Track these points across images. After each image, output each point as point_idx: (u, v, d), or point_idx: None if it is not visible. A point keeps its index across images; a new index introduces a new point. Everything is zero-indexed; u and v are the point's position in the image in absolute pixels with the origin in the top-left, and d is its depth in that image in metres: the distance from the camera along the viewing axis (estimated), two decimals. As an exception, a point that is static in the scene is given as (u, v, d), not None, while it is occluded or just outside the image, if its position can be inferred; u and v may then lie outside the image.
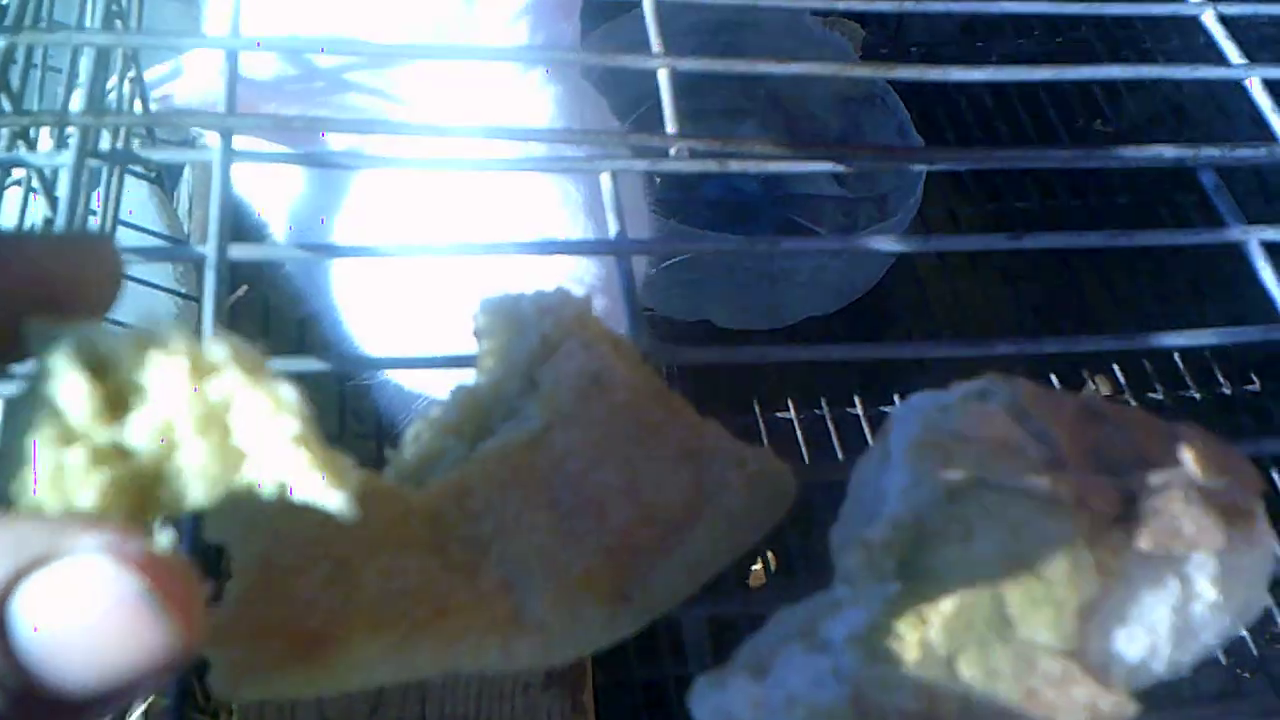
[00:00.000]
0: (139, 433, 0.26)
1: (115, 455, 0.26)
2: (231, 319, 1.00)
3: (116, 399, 0.26)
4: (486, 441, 0.37)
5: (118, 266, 0.30)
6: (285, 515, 0.32)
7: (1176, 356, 1.20)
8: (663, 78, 0.51)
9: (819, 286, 1.19)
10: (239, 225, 0.97)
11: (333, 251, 0.65)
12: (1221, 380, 1.20)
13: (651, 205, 1.17)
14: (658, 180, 1.28)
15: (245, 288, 0.95)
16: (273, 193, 0.90)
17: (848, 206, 1.29)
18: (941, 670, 0.32)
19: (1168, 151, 0.51)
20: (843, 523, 0.38)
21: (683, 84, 1.23)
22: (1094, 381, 1.20)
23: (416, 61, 0.77)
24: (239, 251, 0.40)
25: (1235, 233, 0.51)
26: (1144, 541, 0.33)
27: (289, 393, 0.27)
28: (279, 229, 0.89)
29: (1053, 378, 1.17)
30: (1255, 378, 1.20)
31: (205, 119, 0.45)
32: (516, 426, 0.37)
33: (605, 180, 0.49)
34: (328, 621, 0.31)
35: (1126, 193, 1.31)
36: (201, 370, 0.26)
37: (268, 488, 0.27)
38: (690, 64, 0.52)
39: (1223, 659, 1.03)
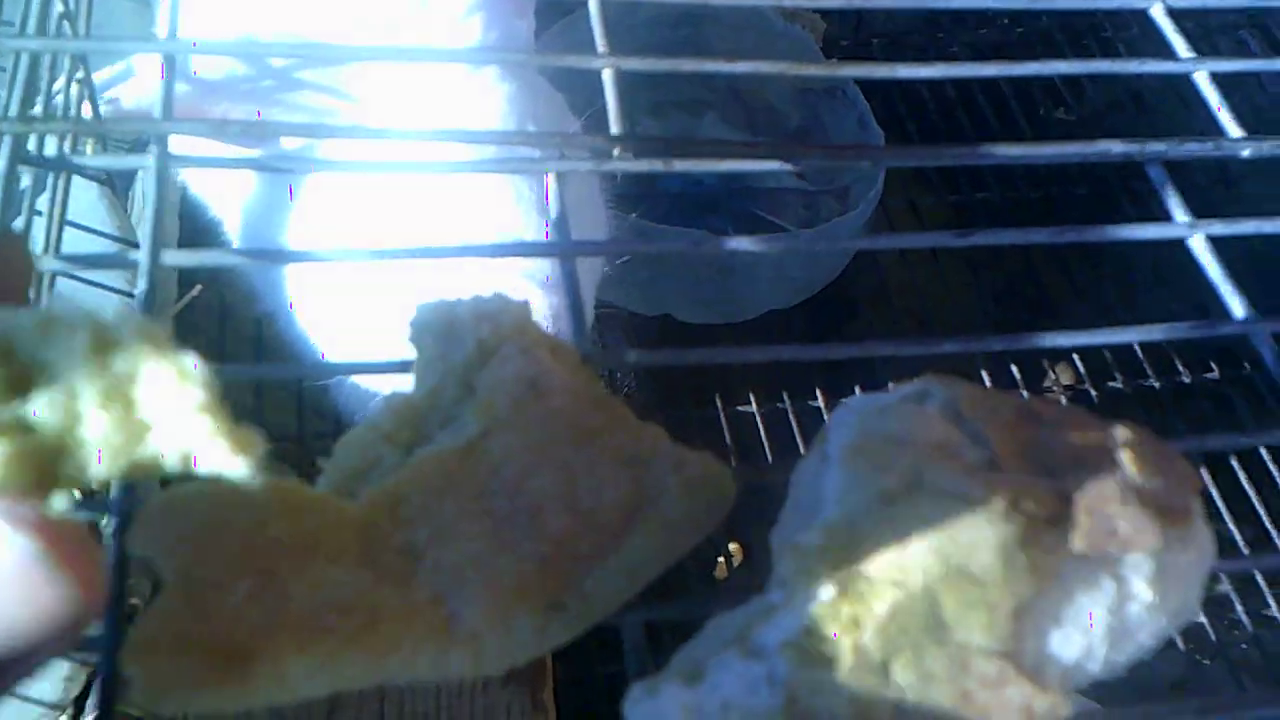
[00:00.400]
0: (41, 407, 0.26)
1: (17, 429, 0.26)
2: (187, 318, 1.00)
3: (20, 377, 0.26)
4: (422, 449, 0.37)
5: (27, 263, 0.30)
6: (211, 529, 0.32)
7: (1136, 346, 1.21)
8: (607, 78, 0.50)
9: (780, 281, 1.19)
10: (192, 224, 0.97)
11: (270, 257, 0.64)
12: (1181, 369, 1.20)
13: (610, 200, 1.17)
14: (617, 175, 1.28)
15: (199, 287, 0.94)
16: (226, 192, 0.89)
17: (809, 199, 1.29)
18: (876, 675, 0.32)
19: (1115, 147, 0.51)
20: (781, 525, 0.38)
21: (643, 78, 1.22)
22: (1054, 371, 1.20)
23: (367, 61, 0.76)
24: (172, 258, 0.40)
25: (1181, 228, 0.51)
26: (1079, 542, 0.33)
27: (192, 364, 0.27)
28: (233, 229, 0.89)
29: (1014, 368, 1.17)
30: (1214, 365, 1.20)
31: (140, 124, 0.44)
32: (452, 433, 0.37)
33: (550, 181, 0.49)
34: (253, 635, 0.31)
35: (1086, 183, 1.31)
36: (104, 344, 0.26)
37: (171, 458, 0.26)
38: (635, 64, 0.52)
39: (1181, 645, 1.03)
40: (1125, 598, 0.33)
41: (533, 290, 0.65)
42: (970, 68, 0.56)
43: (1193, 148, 0.52)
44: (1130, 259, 1.28)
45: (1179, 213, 0.52)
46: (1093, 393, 1.19)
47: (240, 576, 0.31)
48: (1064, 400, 1.18)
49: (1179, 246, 0.51)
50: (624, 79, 0.51)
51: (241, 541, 0.32)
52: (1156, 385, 1.19)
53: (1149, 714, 0.37)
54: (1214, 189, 1.28)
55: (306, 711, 0.85)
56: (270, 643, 0.31)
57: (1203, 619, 1.04)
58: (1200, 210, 0.52)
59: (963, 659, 0.32)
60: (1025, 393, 1.16)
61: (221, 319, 1.07)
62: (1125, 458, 0.35)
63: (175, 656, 0.30)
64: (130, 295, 0.89)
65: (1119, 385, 1.19)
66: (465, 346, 0.39)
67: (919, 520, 0.33)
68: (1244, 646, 1.06)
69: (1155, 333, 0.47)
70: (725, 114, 1.35)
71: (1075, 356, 1.22)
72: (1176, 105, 1.36)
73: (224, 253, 0.54)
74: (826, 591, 0.33)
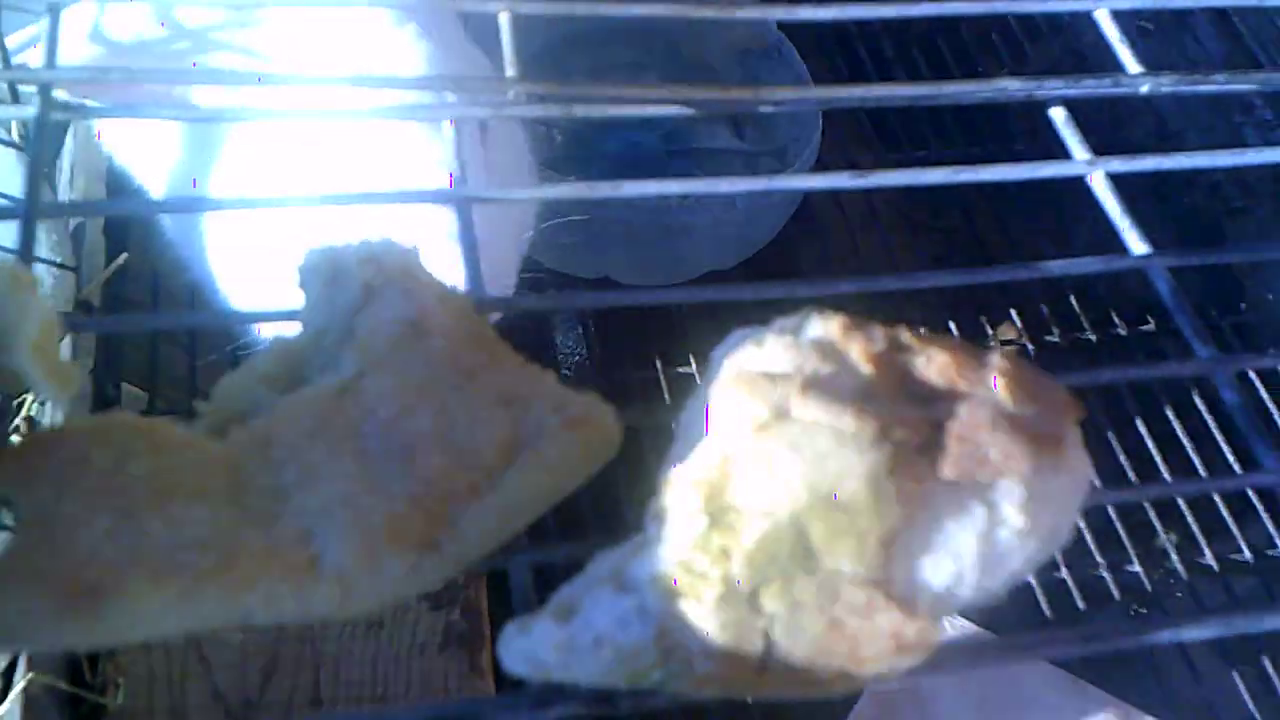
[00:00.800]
0: None
1: None
2: (118, 286, 0.99)
3: None
4: (299, 391, 0.36)
5: None
6: (71, 467, 0.32)
7: (1073, 300, 1.21)
8: (503, 20, 0.50)
9: (718, 240, 1.18)
10: (120, 191, 0.96)
11: (150, 207, 0.64)
12: (1116, 321, 1.21)
13: (547, 163, 1.17)
14: (557, 136, 1.28)
15: (125, 255, 0.93)
16: (148, 157, 0.88)
17: (748, 159, 1.29)
18: (745, 605, 0.32)
19: (1013, 85, 0.51)
20: (670, 462, 0.38)
21: (580, 40, 1.22)
22: (991, 328, 1.20)
23: (282, 17, 0.75)
24: (49, 210, 0.39)
25: (1080, 166, 0.51)
26: (948, 469, 0.33)
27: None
28: (157, 194, 0.88)
29: (952, 325, 1.18)
30: (1150, 318, 1.21)
31: (20, 75, 0.44)
32: (330, 376, 0.37)
33: (447, 129, 0.49)
34: (107, 571, 0.30)
35: (1023, 138, 1.32)
36: None
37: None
38: (531, 7, 0.51)
39: (1118, 596, 1.04)
40: (996, 524, 0.33)
41: (438, 239, 0.65)
42: (893, 8, 0.55)
43: (1090, 85, 0.52)
44: (1068, 216, 1.29)
45: (1079, 151, 0.52)
46: (1030, 347, 1.19)
47: (98, 513, 0.31)
48: (1029, 346, 1.19)
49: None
50: (559, 43, 0.51)
51: (101, 479, 0.32)
52: (1093, 338, 1.20)
53: (1033, 641, 0.37)
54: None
55: (241, 680, 0.85)
56: (124, 579, 0.30)
57: (1139, 569, 1.05)
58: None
59: (832, 587, 0.32)
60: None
61: (154, 287, 1.06)
62: (998, 385, 0.35)
63: (29, 592, 0.30)
64: (56, 264, 0.88)
65: (1056, 339, 1.20)
66: (350, 290, 0.39)
67: (788, 450, 0.33)
68: (1179, 596, 1.07)
69: (1051, 269, 0.47)
70: (664, 76, 1.34)
71: (1014, 313, 1.22)
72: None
73: (104, 203, 0.53)
74: (697, 523, 0.33)
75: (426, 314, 0.38)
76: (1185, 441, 1.12)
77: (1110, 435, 1.11)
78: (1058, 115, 0.53)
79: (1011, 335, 1.22)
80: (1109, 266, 0.48)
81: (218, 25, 0.77)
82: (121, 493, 0.32)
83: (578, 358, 1.18)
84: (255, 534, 0.32)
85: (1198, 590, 1.05)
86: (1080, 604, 1.02)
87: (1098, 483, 0.36)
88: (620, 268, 1.19)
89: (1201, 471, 1.10)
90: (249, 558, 0.32)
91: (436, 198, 0.48)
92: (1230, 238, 1.32)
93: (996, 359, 0.36)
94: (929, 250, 1.32)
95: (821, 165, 1.25)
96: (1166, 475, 1.09)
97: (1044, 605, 1.00)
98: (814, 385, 0.34)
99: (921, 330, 0.37)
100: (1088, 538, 1.05)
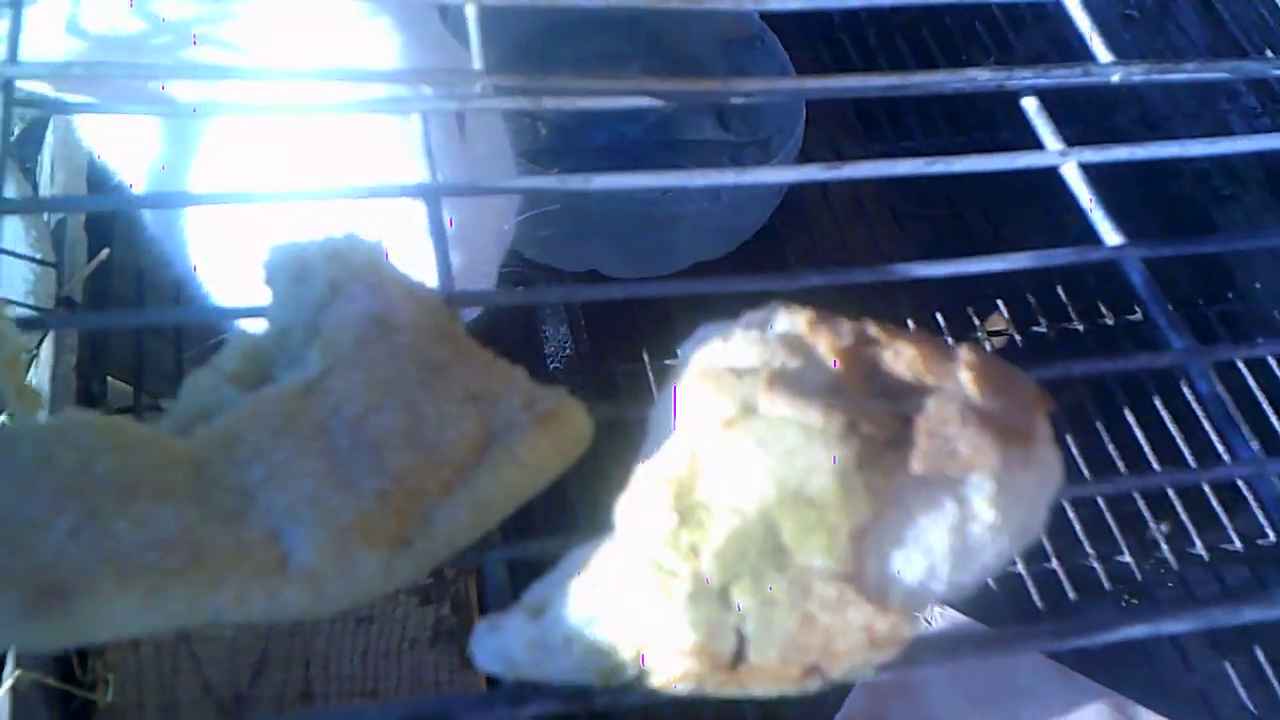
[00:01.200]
0: None
1: None
2: (103, 281, 0.99)
3: None
4: (265, 389, 0.36)
5: None
6: (35, 467, 0.32)
7: (1060, 290, 1.21)
8: (470, 14, 0.50)
9: (705, 231, 1.18)
10: (100, 188, 0.95)
11: (113, 202, 0.64)
12: (1104, 311, 1.21)
13: (531, 156, 1.16)
14: (541, 130, 1.28)
15: (107, 251, 0.92)
16: (129, 153, 0.88)
17: (733, 150, 1.29)
18: (715, 602, 0.32)
19: (982, 75, 0.51)
20: (639, 459, 0.38)
21: (562, 31, 1.22)
22: (978, 318, 1.20)
23: (257, 9, 0.75)
24: (8, 205, 0.39)
25: (1052, 156, 0.51)
26: (917, 464, 0.33)
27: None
28: (137, 188, 0.88)
29: (939, 317, 1.18)
30: (1136, 308, 1.21)
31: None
32: (296, 373, 0.37)
33: (415, 122, 0.48)
34: (72, 572, 0.30)
35: (1009, 127, 1.31)
36: None
37: None
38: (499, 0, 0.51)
39: (1108, 586, 1.04)
40: (967, 519, 0.33)
41: (409, 233, 0.64)
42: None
43: (1060, 74, 0.52)
44: (1057, 204, 1.29)
45: (1051, 141, 0.52)
46: (1018, 338, 1.19)
47: (62, 513, 0.31)
48: (989, 347, 1.18)
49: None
50: (541, 33, 0.50)
51: (64, 479, 0.32)
52: (1080, 329, 1.20)
53: (1003, 635, 0.37)
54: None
55: (233, 674, 0.84)
56: (89, 579, 0.30)
57: (1129, 560, 1.05)
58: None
59: (803, 583, 0.32)
60: (951, 340, 1.16)
61: (139, 283, 1.06)
62: (965, 379, 0.35)
63: None
64: (36, 260, 0.88)
65: (1043, 329, 1.20)
66: (315, 287, 0.38)
67: (755, 446, 0.33)
68: (1170, 586, 1.07)
69: (1024, 260, 0.47)
70: (647, 67, 1.34)
71: (1000, 303, 1.22)
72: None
73: (69, 198, 0.53)
74: (667, 520, 0.32)
75: (392, 309, 0.37)
76: (1174, 432, 1.12)
77: (1099, 425, 1.11)
78: (1030, 105, 0.53)
79: (1000, 326, 1.22)
80: (1082, 258, 0.48)
81: (193, 18, 0.77)
82: (86, 492, 0.31)
83: (565, 351, 1.17)
84: (222, 533, 0.32)
85: (1188, 580, 1.05)
86: (1071, 594, 1.02)
87: (1082, 475, 0.36)
88: (606, 260, 1.19)
89: (1191, 461, 1.10)
90: (217, 557, 0.32)
91: (406, 192, 0.48)
92: (1218, 225, 1.32)
93: (964, 353, 0.36)
94: (916, 240, 1.32)
95: (806, 156, 1.25)
96: (1156, 465, 1.09)
97: (1035, 596, 1.00)
98: (781, 380, 0.34)
99: (908, 322, 0.37)
100: (1077, 528, 1.05)
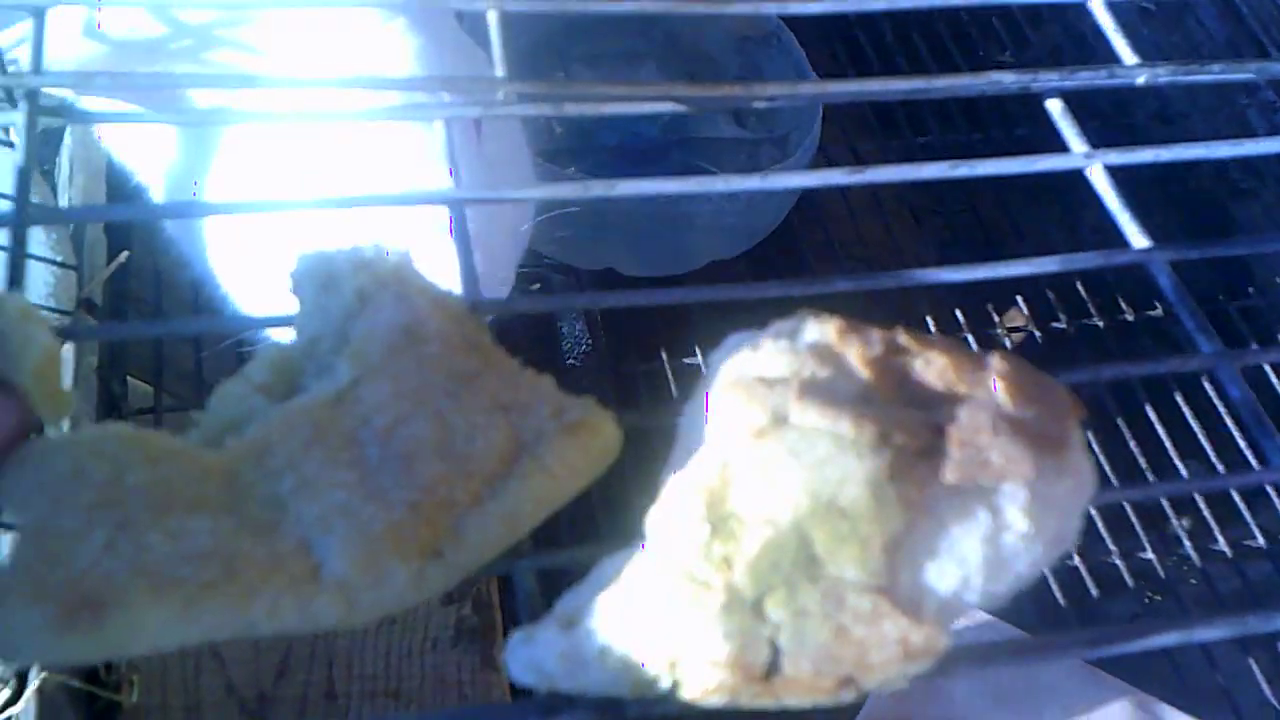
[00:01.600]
0: None
1: None
2: (121, 283, 0.99)
3: None
4: (295, 400, 0.36)
5: None
6: (68, 480, 0.32)
7: (1080, 286, 1.21)
8: (492, 19, 0.50)
9: (720, 230, 1.18)
10: (119, 190, 0.95)
11: (136, 212, 0.64)
12: (1124, 307, 1.21)
13: (547, 155, 1.16)
14: (557, 128, 1.27)
15: (126, 254, 0.92)
16: (148, 156, 0.88)
17: (749, 148, 1.28)
18: (749, 613, 0.32)
19: (1007, 78, 0.51)
20: (670, 468, 0.38)
21: (578, 29, 1.21)
22: (998, 315, 1.20)
23: (276, 14, 0.75)
24: (38, 214, 0.39)
25: (1077, 159, 0.51)
26: (950, 474, 0.33)
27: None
28: (157, 194, 0.88)
29: (958, 314, 1.17)
30: (1157, 304, 1.21)
31: (5, 79, 0.43)
32: (326, 383, 0.36)
33: (438, 128, 0.48)
34: (107, 585, 0.30)
35: (1026, 123, 1.31)
36: None
37: None
38: (519, 5, 0.51)
39: (1130, 582, 1.04)
40: (1000, 528, 0.33)
41: (436, 239, 0.64)
42: (883, 2, 0.55)
43: (1085, 76, 0.51)
44: (1074, 201, 1.28)
45: (1076, 143, 0.51)
46: (1037, 334, 1.19)
47: (96, 526, 0.31)
48: (1009, 344, 1.18)
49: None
50: (558, 31, 0.50)
51: (98, 492, 0.32)
52: (1100, 324, 1.19)
53: (1036, 644, 0.37)
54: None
55: (256, 674, 0.85)
56: (124, 592, 0.30)
57: (1151, 556, 1.04)
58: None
59: (837, 594, 0.32)
60: (970, 337, 1.16)
61: (157, 285, 1.06)
62: (998, 387, 0.35)
63: (29, 606, 0.30)
64: (56, 263, 0.88)
65: (1063, 325, 1.19)
66: (343, 296, 0.38)
67: (787, 456, 0.33)
68: (1193, 583, 1.07)
69: (1050, 264, 0.47)
70: (662, 64, 1.34)
71: (1020, 300, 1.22)
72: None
73: (96, 209, 0.53)
74: (699, 531, 0.32)
75: (420, 319, 0.37)
76: (1197, 429, 1.12)
77: (1121, 424, 1.11)
78: (1054, 107, 0.53)
79: (1019, 322, 1.21)
80: (1109, 261, 0.48)
81: (212, 22, 0.77)
82: (119, 505, 0.31)
83: (583, 349, 1.17)
84: (255, 544, 0.32)
85: (1211, 576, 1.05)
86: (1094, 591, 1.01)
87: (1112, 482, 0.36)
88: (622, 259, 1.19)
89: (1213, 458, 1.09)
90: (250, 569, 0.32)
91: (430, 199, 0.48)
92: (1237, 220, 1.31)
93: (995, 360, 0.36)
94: (933, 237, 1.32)
95: (824, 152, 1.24)
96: (1179, 463, 1.09)
97: (1057, 593, 1.00)
98: (811, 390, 0.34)
99: (929, 327, 0.37)
100: (1099, 525, 1.05)
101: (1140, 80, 0.53)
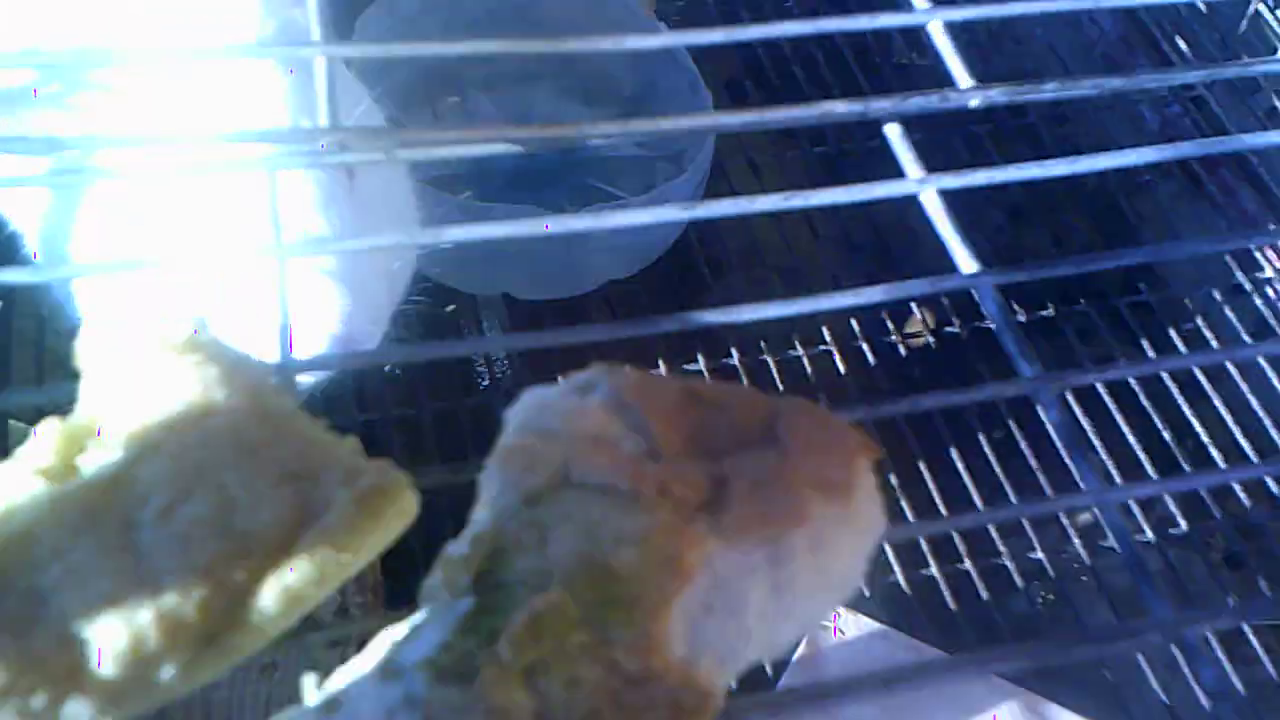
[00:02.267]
0: None
1: None
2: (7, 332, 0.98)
3: None
4: (69, 483, 0.35)
5: None
6: None
7: (973, 293, 1.21)
8: (318, 67, 0.49)
9: (616, 250, 1.18)
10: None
11: None
12: (1016, 309, 1.21)
13: (440, 182, 1.15)
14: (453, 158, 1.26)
15: (-1, 304, 0.91)
16: (21, 208, 0.86)
17: (645, 165, 1.28)
18: (517, 685, 0.31)
19: (839, 108, 0.51)
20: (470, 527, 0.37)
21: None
22: (894, 323, 1.20)
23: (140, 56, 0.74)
24: None
25: (911, 184, 0.51)
26: (731, 526, 0.32)
27: None
28: (32, 243, 0.86)
29: (853, 323, 1.17)
30: (1049, 304, 1.21)
31: None
32: (104, 463, 0.35)
33: (268, 182, 0.48)
34: None
35: (920, 129, 1.31)
36: None
37: None
38: (347, 51, 0.50)
39: (1021, 583, 1.03)
40: (780, 581, 0.33)
41: (256, 297, 0.63)
42: (784, 27, 0.55)
43: (919, 102, 0.51)
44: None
45: (912, 168, 0.51)
46: (932, 342, 1.19)
47: None
48: (903, 351, 1.18)
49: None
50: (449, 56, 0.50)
51: None
52: (992, 327, 1.19)
53: (936, 665, 0.37)
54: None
55: None
56: None
57: (1041, 556, 1.04)
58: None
59: (607, 659, 0.31)
60: (865, 345, 1.16)
61: (40, 333, 1.05)
62: (786, 435, 0.34)
63: None
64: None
65: (956, 330, 1.19)
66: (125, 370, 0.37)
67: (561, 519, 0.32)
68: (1084, 580, 1.07)
69: (875, 294, 0.47)
70: (559, 83, 1.34)
71: (913, 306, 1.22)
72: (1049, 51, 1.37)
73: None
74: (465, 603, 0.32)
75: (205, 391, 0.36)
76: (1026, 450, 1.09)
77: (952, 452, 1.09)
78: (892, 132, 0.53)
79: (917, 328, 1.21)
80: (935, 288, 0.48)
81: (81, 63, 0.75)
82: None
83: (499, 377, 1.15)
84: (8, 642, 0.31)
85: (1099, 571, 1.05)
86: (984, 594, 1.01)
87: (939, 510, 0.36)
88: (516, 282, 1.18)
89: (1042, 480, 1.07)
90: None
91: (251, 254, 0.47)
92: (1133, 215, 1.32)
93: (787, 406, 0.36)
94: (832, 242, 1.31)
95: (719, 166, 1.24)
96: (1005, 482, 1.07)
97: (948, 597, 1.00)
98: (596, 447, 0.33)
99: (825, 336, 0.37)
100: (989, 526, 1.04)
101: (973, 103, 0.53)
